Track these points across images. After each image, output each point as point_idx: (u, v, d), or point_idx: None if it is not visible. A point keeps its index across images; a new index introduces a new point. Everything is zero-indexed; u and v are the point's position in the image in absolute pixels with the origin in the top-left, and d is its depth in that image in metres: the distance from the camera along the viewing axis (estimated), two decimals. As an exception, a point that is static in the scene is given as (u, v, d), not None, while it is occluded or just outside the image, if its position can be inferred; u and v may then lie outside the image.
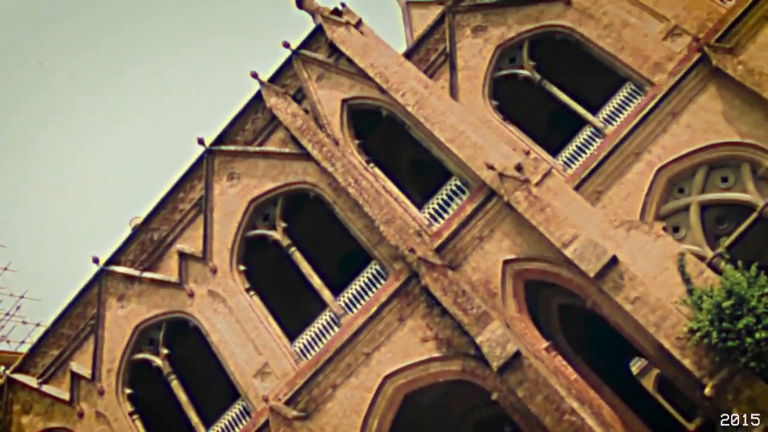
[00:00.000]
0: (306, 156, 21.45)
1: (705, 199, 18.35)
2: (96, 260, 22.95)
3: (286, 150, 22.04)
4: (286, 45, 22.65)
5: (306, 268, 21.21)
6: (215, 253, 22.00)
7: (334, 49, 22.32)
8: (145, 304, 22.33)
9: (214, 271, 21.81)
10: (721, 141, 18.23)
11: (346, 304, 20.26)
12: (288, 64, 22.84)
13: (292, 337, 20.68)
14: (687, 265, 16.29)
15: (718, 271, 16.64)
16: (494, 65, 21.49)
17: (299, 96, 22.49)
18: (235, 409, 20.85)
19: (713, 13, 19.45)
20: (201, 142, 22.85)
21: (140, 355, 22.32)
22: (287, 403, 19.37)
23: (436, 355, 18.60)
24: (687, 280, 16.09)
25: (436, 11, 25.20)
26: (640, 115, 19.01)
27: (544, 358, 17.66)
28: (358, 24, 22.44)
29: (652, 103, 18.98)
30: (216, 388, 22.28)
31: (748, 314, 14.53)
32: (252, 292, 21.43)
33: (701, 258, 17.38)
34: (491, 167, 18.55)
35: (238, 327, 20.96)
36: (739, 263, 15.57)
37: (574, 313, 20.24)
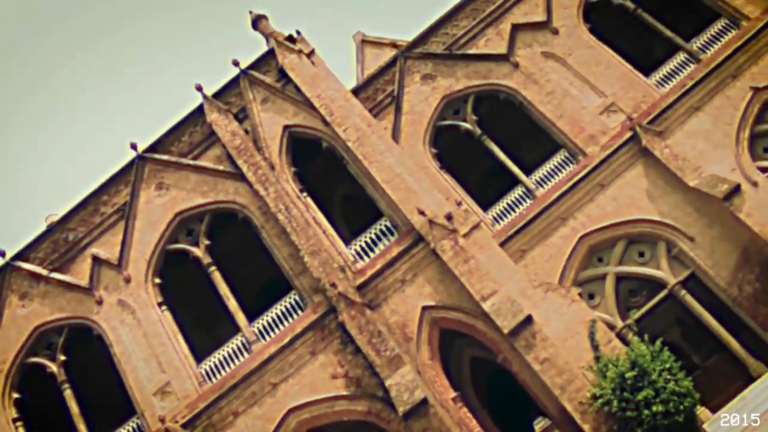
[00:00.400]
0: (240, 176, 21.16)
1: (621, 271, 19.02)
2: (2, 254, 21.79)
3: (221, 167, 21.69)
4: (236, 63, 22.48)
5: (224, 289, 20.72)
6: (132, 262, 21.24)
7: (283, 75, 22.29)
8: (49, 305, 21.24)
9: (128, 280, 21.04)
10: (642, 217, 19.03)
11: (260, 331, 19.82)
12: (235, 82, 22.64)
13: (199, 358, 20.03)
14: (597, 333, 16.75)
15: (625, 342, 17.18)
16: (438, 114, 21.95)
17: (241, 115, 22.27)
18: (128, 426, 19.93)
19: (648, 97, 20.49)
20: (134, 147, 22.22)
21: (35, 359, 21.10)
22: (184, 426, 18.63)
23: (344, 393, 18.36)
24: (595, 347, 16.52)
25: (389, 53, 25.72)
26: (570, 183, 19.69)
27: (450, 408, 17.68)
28: (311, 54, 22.55)
29: (583, 173, 19.71)
30: (112, 403, 21.21)
31: (648, 387, 15.00)
32: (164, 307, 20.73)
33: (611, 327, 17.94)
34: (422, 213, 18.73)
35: (144, 341, 20.18)
36: (646, 337, 16.11)
37: (485, 367, 20.41)
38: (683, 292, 18.23)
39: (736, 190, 17.67)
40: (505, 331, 16.84)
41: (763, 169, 18.86)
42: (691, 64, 20.98)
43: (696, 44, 21.32)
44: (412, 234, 19.16)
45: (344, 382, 18.43)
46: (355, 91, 22.36)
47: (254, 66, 22.75)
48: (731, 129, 19.47)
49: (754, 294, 17.48)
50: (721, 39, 21.11)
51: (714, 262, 18.05)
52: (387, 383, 17.23)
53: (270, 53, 22.80)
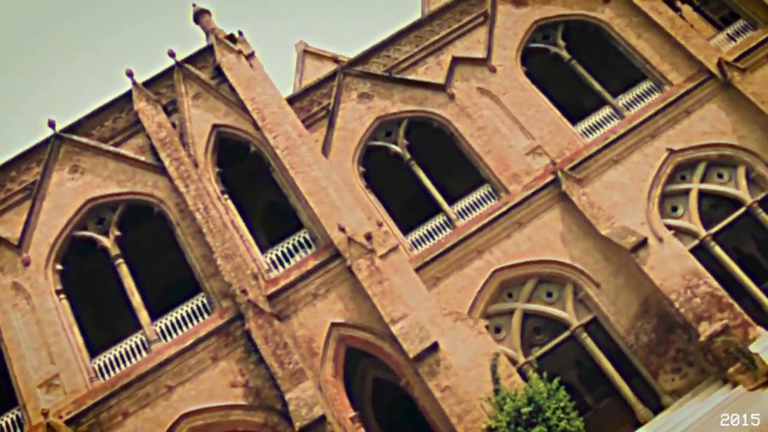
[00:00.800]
0: (161, 170, 20.56)
1: (529, 309, 19.50)
2: None
3: (142, 158, 21.00)
4: (172, 54, 21.94)
5: (129, 283, 19.95)
6: (33, 245, 20.18)
7: (219, 73, 21.91)
8: (-63, 282, 19.88)
9: (27, 263, 19.97)
10: (554, 259, 19.62)
11: (162, 331, 19.15)
12: (168, 73, 22.05)
13: (94, 352, 19.14)
14: (499, 366, 17.09)
15: (525, 378, 17.58)
16: (371, 134, 22.08)
17: (171, 108, 21.68)
18: (7, 418, 18.78)
19: (572, 144, 21.28)
20: (51, 125, 21.22)
21: None
22: (69, 422, 17.69)
23: (241, 402, 17.93)
24: (496, 380, 16.85)
25: (329, 67, 25.74)
26: (490, 217, 20.13)
27: (348, 427, 17.55)
28: (250, 56, 22.29)
29: (503, 209, 20.20)
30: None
31: (542, 423, 15.38)
32: (62, 296, 19.75)
33: (514, 362, 18.34)
34: (342, 229, 18.69)
35: (37, 329, 19.14)
36: (545, 374, 16.53)
37: (388, 389, 20.42)
38: (584, 335, 18.87)
39: (643, 243, 18.52)
40: (411, 355, 16.93)
41: (670, 227, 19.84)
42: (615, 119, 21.94)
43: (622, 101, 22.33)
44: (329, 249, 19.07)
45: (243, 391, 18.03)
46: (291, 100, 22.22)
47: (191, 60, 22.26)
48: (645, 185, 20.43)
49: (649, 344, 18.29)
50: (645, 100, 22.21)
51: (616, 309, 18.79)
52: (287, 396, 16.97)
53: (208, 49, 22.39)
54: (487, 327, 18.52)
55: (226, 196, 20.47)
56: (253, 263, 19.13)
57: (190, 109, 21.39)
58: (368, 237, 18.75)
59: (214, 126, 21.25)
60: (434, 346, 17.00)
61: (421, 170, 21.82)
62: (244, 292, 18.18)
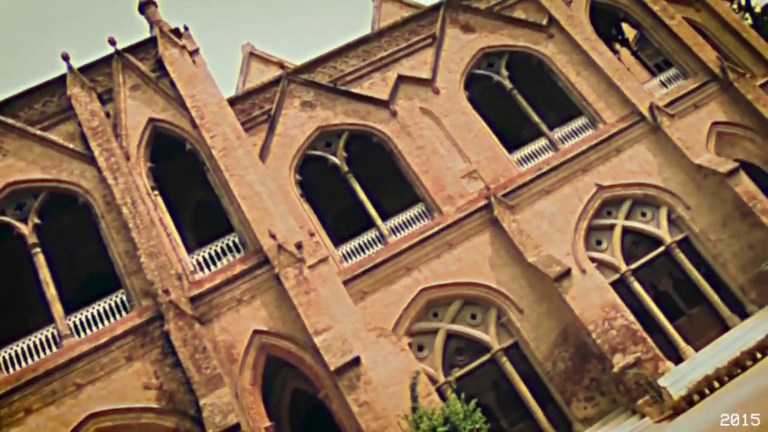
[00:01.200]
0: (90, 159, 19.84)
1: (453, 329, 19.71)
2: None
3: (71, 146, 20.19)
4: (112, 42, 21.28)
5: (45, 274, 19.06)
6: (-57, 227, 19.13)
7: (160, 67, 21.40)
8: None
9: (-65, 245, 18.89)
10: (481, 282, 19.93)
11: (76, 326, 18.35)
12: (107, 61, 21.36)
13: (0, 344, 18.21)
14: (419, 384, 17.15)
15: (443, 397, 17.72)
16: (310, 143, 21.98)
17: (106, 97, 20.98)
18: None
19: (507, 172, 21.74)
20: (-24, 103, 20.23)
21: None
22: (-36, 416, 16.74)
23: (153, 405, 17.34)
24: (414, 398, 16.89)
25: (274, 72, 25.58)
26: (422, 236, 20.32)
27: (262, 437, 17.24)
28: (194, 53, 21.89)
29: (435, 229, 20.43)
30: None
31: (456, 444, 15.49)
32: (-29, 282, 18.76)
33: (434, 381, 18.46)
34: (273, 236, 18.47)
35: (-62, 315, 18.08)
36: (462, 395, 16.69)
37: (306, 400, 20.18)
38: (504, 358, 19.19)
39: (567, 273, 19.05)
40: (332, 368, 16.81)
41: (593, 260, 20.48)
42: (550, 151, 22.57)
43: (557, 134, 23.01)
44: (258, 255, 18.79)
45: (157, 394, 17.46)
46: (232, 101, 21.91)
47: (132, 50, 21.65)
48: (573, 217, 21.06)
49: (566, 371, 18.76)
50: (579, 135, 22.95)
51: (537, 335, 19.21)
52: (201, 402, 16.54)
53: (151, 41, 21.85)
54: (410, 344, 18.61)
55: (156, 192, 19.92)
56: (179, 263, 18.64)
57: (126, 100, 20.78)
58: (299, 246, 18.59)
59: (150, 120, 20.69)
60: (356, 361, 16.93)
61: (357, 183, 21.85)
62: (166, 292, 17.68)
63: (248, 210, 19.09)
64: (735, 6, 45.47)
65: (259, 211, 19.11)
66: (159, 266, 18.18)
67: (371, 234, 20.89)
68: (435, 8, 24.88)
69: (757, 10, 46.04)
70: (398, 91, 22.99)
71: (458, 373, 18.41)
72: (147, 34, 22.45)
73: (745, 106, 23.37)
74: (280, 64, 26.13)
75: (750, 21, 42.92)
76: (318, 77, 23.05)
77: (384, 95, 22.84)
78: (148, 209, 19.06)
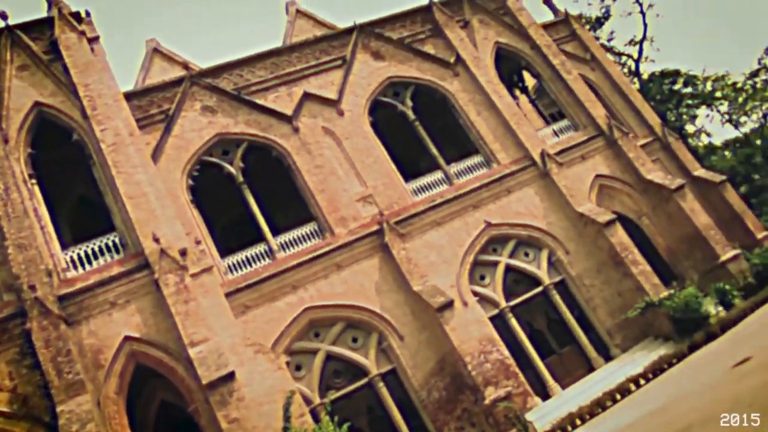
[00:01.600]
0: (-38, 138, 18.38)
1: (333, 350, 19.57)
2: None
3: (-58, 121, 18.65)
4: (3, 16, 19.92)
5: None
6: None
7: (54, 50, 20.22)
8: None
9: None
10: (365, 306, 19.97)
11: None
12: (-6, 36, 19.99)
13: None
14: (293, 404, 16.81)
15: (317, 419, 17.46)
16: (207, 149, 21.44)
17: (-11, 74, 19.56)
18: None
19: (402, 200, 22.07)
20: None
21: None
22: None
23: (3, 409, 16.00)
24: (287, 418, 16.54)
25: (178, 72, 24.85)
26: (311, 255, 20.18)
27: (121, 450, 16.29)
28: (94, 40, 20.85)
29: (326, 249, 20.35)
30: None
31: (321, 466, 15.29)
32: None
33: (309, 402, 18.20)
34: (157, 240, 17.72)
35: None
36: (336, 418, 16.51)
37: (174, 414, 19.33)
38: (381, 384, 19.24)
39: (449, 305, 19.44)
40: (204, 381, 16.19)
41: (476, 293, 21.05)
42: (444, 184, 23.14)
43: (453, 169, 23.65)
44: (138, 258, 17.95)
45: (9, 397, 16.13)
46: (129, 96, 21.02)
47: (24, 27, 20.27)
48: (461, 250, 21.61)
49: (439, 400, 19.04)
50: (474, 172, 23.70)
51: (415, 363, 19.42)
52: (59, 409, 15.44)
53: (48, 22, 20.63)
54: (288, 363, 18.28)
55: (34, 180, 18.66)
56: (50, 258, 17.47)
57: (12, 79, 19.44)
58: (183, 253, 17.92)
59: (36, 104, 19.42)
60: (230, 376, 16.39)
61: (251, 195, 21.46)
62: (32, 287, 16.50)
63: (133, 210, 18.23)
64: (626, 70, 48.91)
65: (144, 212, 18.30)
66: (27, 260, 16.97)
67: (260, 248, 20.52)
68: (348, 31, 25.12)
69: (645, 76, 49.73)
70: (303, 107, 22.93)
71: (334, 395, 18.30)
72: (45, 14, 21.17)
73: (626, 163, 25.01)
74: (185, 65, 25.40)
75: (638, 86, 46.25)
76: (223, 83, 22.60)
77: (288, 110, 22.69)
78: (23, 198, 17.80)
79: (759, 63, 59.21)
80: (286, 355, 18.72)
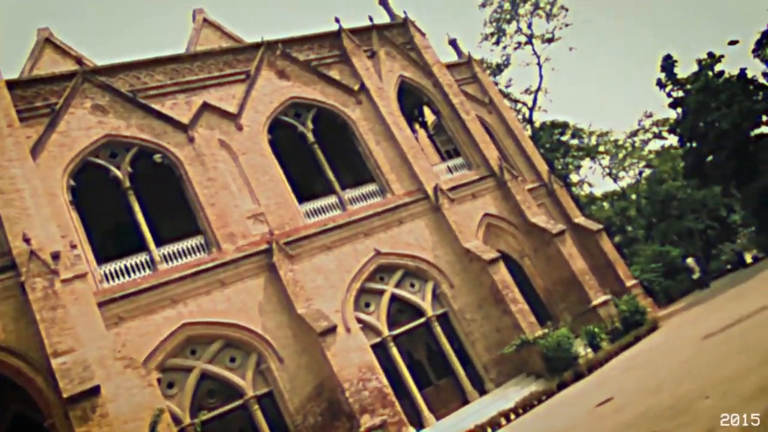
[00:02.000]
0: None
1: (209, 369, 18.91)
2: None
3: None
4: None
5: None
6: None
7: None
8: None
9: None
10: (247, 326, 19.49)
11: None
12: None
13: None
14: (160, 423, 16.04)
15: (185, 440, 16.77)
16: (94, 149, 20.43)
17: None
18: None
19: (294, 221, 21.88)
20: None
21: None
22: None
23: None
24: (152, 437, 15.78)
25: (70, 66, 23.68)
26: (195, 269, 19.56)
27: (-40, 465, 14.93)
28: (-22, 23, 19.52)
29: (210, 264, 19.80)
30: None
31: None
32: None
33: (178, 422, 17.46)
34: (27, 240, 16.60)
35: None
36: (207, 439, 15.97)
37: (28, 428, 17.96)
38: (256, 406, 18.76)
39: (332, 330, 19.31)
40: (65, 395, 15.17)
41: (360, 320, 21.08)
42: (338, 209, 23.18)
43: (348, 195, 23.75)
44: (4, 258, 16.73)
45: None
46: (12, 85, 19.74)
47: None
48: (348, 277, 21.62)
49: (314, 426, 18.77)
50: (368, 200, 23.91)
51: (293, 387, 19.10)
52: None
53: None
54: (159, 380, 17.49)
55: None
56: None
57: None
58: (55, 256, 16.88)
59: None
60: (94, 390, 15.44)
61: (137, 202, 20.58)
62: None
63: (3, 206, 17.03)
64: (520, 117, 51.29)
65: (16, 209, 17.13)
66: None
67: (141, 257, 19.66)
68: (255, 47, 24.89)
69: (537, 125, 52.34)
70: (201, 118, 22.38)
71: (205, 416, 17.68)
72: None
73: (513, 205, 26.07)
74: (79, 60, 24.16)
75: (530, 132, 48.58)
76: (118, 83, 21.70)
77: (185, 119, 22.07)
78: None
79: (639, 124, 63.97)
80: (159, 371, 17.92)
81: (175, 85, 22.63)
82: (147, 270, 19.45)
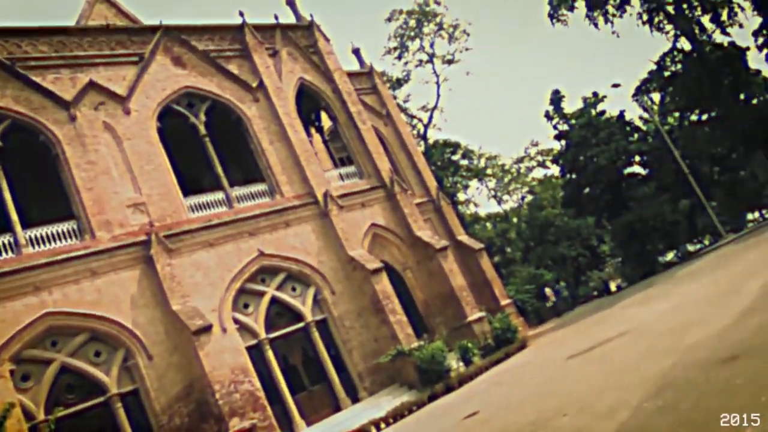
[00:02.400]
0: None
1: (70, 363, 17.80)
2: None
3: None
4: None
5: None
6: None
7: None
8: None
9: None
10: (116, 319, 18.54)
11: None
12: None
13: None
14: (10, 419, 14.93)
15: (41, 434, 15.70)
16: (-40, 118, 18.84)
17: None
18: None
19: (176, 214, 21.13)
20: None
21: None
22: None
23: None
24: None
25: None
26: (64, 256, 18.45)
27: None
28: None
29: (81, 252, 18.75)
30: None
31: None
32: None
33: (31, 417, 16.34)
34: None
35: None
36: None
37: None
38: (119, 404, 17.84)
39: (207, 329, 18.77)
40: None
41: (237, 321, 20.61)
42: (224, 206, 22.63)
43: (236, 193, 23.24)
44: None
45: None
46: None
47: None
48: (229, 275, 21.11)
49: (180, 428, 18.08)
50: (257, 200, 23.51)
51: (160, 385, 18.34)
52: None
53: None
54: (12, 372, 16.29)
55: None
56: None
57: None
58: None
59: None
60: (-63, 378, 14.22)
61: (4, 179, 19.14)
62: None
63: None
64: (415, 132, 52.32)
65: None
66: None
67: (4, 238, 18.30)
68: (152, 30, 23.94)
69: (430, 142, 53.59)
70: (85, 96, 21.19)
71: (61, 412, 16.52)
72: None
73: (400, 217, 26.47)
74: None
75: (423, 148, 49.62)
76: (-6, 50, 20.16)
77: (68, 96, 20.82)
78: None
79: (525, 152, 67.04)
80: (12, 362, 16.68)
81: (61, 59, 21.30)
82: (10, 252, 18.12)
